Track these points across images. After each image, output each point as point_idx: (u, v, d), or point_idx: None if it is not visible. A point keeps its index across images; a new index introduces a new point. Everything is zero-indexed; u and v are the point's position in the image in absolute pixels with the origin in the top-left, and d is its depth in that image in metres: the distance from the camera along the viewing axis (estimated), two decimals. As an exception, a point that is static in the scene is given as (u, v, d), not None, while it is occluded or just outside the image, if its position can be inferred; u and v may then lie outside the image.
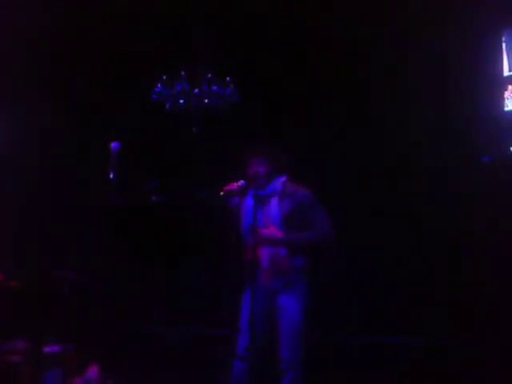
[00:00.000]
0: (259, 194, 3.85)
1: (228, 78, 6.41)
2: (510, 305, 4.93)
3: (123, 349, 5.28)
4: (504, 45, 5.58)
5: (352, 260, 5.72)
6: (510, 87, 5.55)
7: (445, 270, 5.38)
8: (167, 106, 6.51)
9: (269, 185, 3.89)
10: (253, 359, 3.77)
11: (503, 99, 5.57)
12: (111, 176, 3.92)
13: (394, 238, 5.61)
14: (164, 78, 6.44)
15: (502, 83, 5.58)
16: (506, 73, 5.58)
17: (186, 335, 5.39)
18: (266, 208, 3.87)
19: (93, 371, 4.58)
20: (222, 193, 3.86)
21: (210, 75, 6.47)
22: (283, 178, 3.93)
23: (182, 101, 6.50)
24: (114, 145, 3.98)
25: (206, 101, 6.52)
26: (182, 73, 6.45)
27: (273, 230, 3.83)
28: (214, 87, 6.47)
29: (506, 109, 5.56)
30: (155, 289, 5.73)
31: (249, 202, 3.91)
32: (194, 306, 4.31)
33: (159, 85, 6.44)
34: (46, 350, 4.42)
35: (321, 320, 5.38)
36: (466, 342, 4.97)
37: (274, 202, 3.86)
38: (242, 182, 3.86)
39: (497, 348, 4.79)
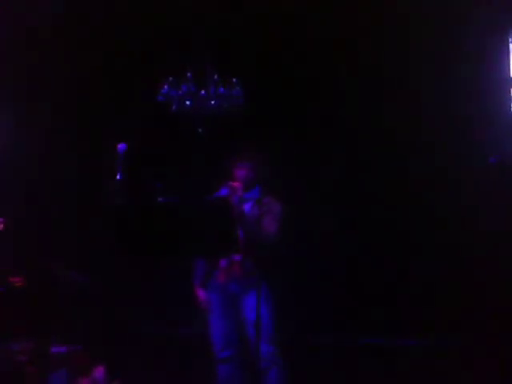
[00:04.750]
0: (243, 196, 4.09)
1: (234, 80, 6.40)
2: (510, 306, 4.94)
3: (129, 349, 5.29)
4: (511, 45, 5.57)
5: (352, 260, 5.72)
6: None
7: (447, 271, 5.37)
8: (173, 108, 6.50)
9: (249, 190, 4.13)
10: (233, 358, 3.92)
11: (510, 99, 5.56)
12: (118, 177, 3.95)
13: (394, 239, 5.60)
14: (170, 79, 6.44)
15: (508, 83, 5.57)
16: (512, 73, 5.57)
17: (188, 335, 5.41)
18: None
19: (99, 372, 4.60)
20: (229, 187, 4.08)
21: (216, 76, 6.47)
22: (261, 188, 4.15)
23: (188, 102, 6.50)
24: (120, 146, 4.01)
25: (213, 102, 6.51)
26: (188, 74, 6.44)
27: None
28: (221, 89, 6.46)
29: (513, 109, 5.55)
30: (159, 289, 5.74)
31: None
32: (197, 306, 4.33)
33: (165, 86, 6.44)
34: (52, 350, 4.44)
35: (319, 321, 5.40)
36: (466, 342, 4.98)
37: (247, 206, 4.10)
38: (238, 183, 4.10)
39: (496, 348, 4.79)
